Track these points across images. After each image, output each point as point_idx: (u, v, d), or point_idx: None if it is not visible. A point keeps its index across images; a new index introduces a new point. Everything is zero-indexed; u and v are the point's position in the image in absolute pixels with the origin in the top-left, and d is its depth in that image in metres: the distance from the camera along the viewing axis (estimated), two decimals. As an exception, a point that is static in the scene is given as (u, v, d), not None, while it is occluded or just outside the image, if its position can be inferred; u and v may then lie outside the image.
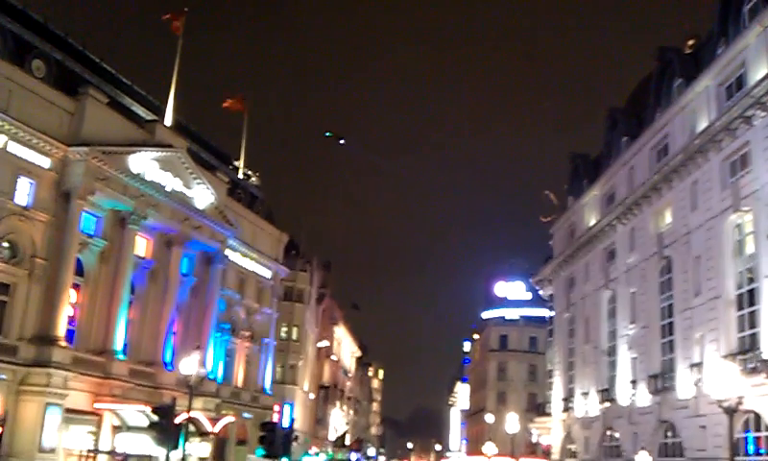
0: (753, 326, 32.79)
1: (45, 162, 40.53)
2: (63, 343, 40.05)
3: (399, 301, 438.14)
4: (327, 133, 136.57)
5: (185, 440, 33.26)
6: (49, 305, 40.04)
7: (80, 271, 43.34)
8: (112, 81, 49.53)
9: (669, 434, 40.14)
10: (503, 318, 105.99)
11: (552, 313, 63.80)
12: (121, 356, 44.49)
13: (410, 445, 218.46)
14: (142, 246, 48.59)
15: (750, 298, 33.46)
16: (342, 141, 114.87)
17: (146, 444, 39.29)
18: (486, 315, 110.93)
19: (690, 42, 44.47)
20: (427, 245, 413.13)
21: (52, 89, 41.24)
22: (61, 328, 40.12)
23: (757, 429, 32.07)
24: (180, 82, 52.13)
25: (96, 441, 42.18)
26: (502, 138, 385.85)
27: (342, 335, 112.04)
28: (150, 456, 41.56)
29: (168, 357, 49.22)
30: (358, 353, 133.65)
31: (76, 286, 42.99)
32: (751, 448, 32.42)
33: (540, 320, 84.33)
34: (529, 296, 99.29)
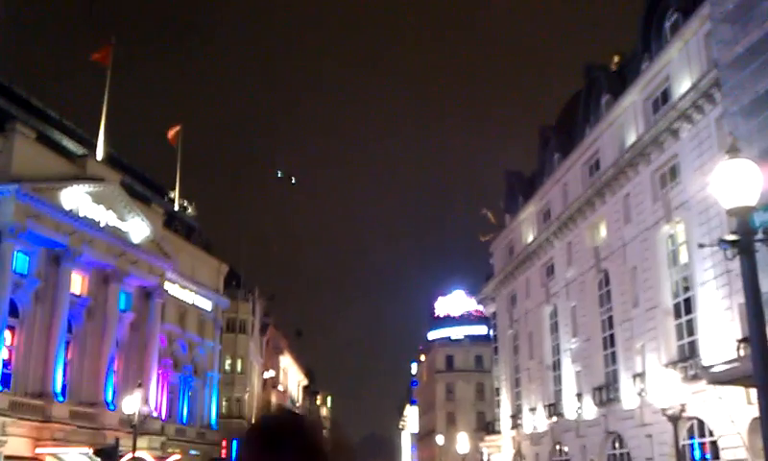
0: (691, 333, 33.45)
1: (-27, 202, 39.31)
2: (-1, 388, 38.71)
3: (345, 327, 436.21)
4: (279, 174, 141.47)
5: (130, 481, 32.36)
6: (-19, 350, 38.67)
7: (14, 312, 42.00)
8: (40, 116, 48.49)
9: (617, 445, 40.62)
10: (448, 338, 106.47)
11: (496, 331, 64.20)
12: (61, 398, 43.18)
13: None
14: (78, 283, 47.34)
15: (686, 306, 34.15)
16: (293, 181, 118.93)
17: (89, 488, 38.11)
18: (431, 336, 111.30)
19: (616, 59, 45.53)
20: (371, 270, 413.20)
21: (-23, 127, 40.13)
22: (-4, 373, 38.80)
23: (702, 435, 32.59)
24: (110, 115, 51.50)
25: (37, 488, 40.75)
26: (440, 160, 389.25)
27: (288, 364, 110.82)
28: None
29: (110, 396, 47.92)
30: (305, 382, 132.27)
31: (10, 328, 41.63)
32: (697, 454, 32.96)
33: (485, 338, 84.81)
34: (471, 303, 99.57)
